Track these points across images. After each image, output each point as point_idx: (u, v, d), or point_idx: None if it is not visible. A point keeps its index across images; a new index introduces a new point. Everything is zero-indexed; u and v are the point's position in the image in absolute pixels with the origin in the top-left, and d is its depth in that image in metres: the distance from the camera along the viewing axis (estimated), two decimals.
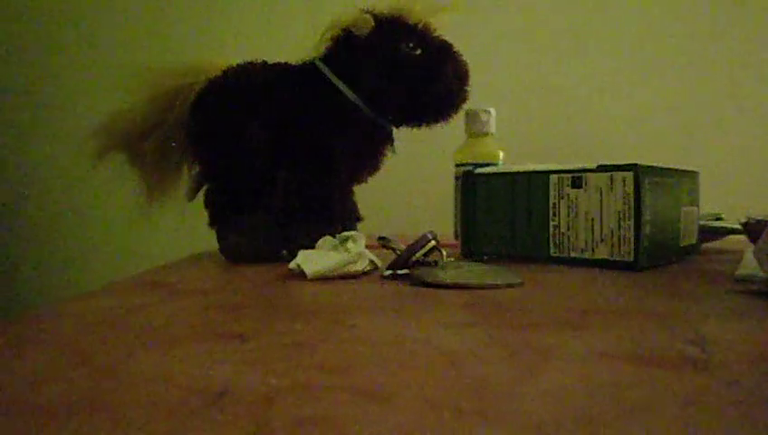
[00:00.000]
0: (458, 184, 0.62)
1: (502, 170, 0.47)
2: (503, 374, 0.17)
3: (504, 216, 0.47)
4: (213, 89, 0.50)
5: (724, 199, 0.87)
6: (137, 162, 0.53)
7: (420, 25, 0.48)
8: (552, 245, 0.44)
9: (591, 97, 0.96)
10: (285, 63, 0.51)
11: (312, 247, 0.43)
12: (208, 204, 0.52)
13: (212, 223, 0.51)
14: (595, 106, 0.96)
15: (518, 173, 0.46)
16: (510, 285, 0.34)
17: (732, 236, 0.54)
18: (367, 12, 0.48)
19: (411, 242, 0.39)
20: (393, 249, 0.41)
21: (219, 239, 0.50)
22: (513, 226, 0.46)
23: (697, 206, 0.49)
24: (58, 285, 0.97)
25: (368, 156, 0.51)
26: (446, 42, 0.49)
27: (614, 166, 0.41)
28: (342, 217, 0.52)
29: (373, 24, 0.47)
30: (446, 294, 0.32)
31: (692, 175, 0.48)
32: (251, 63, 0.51)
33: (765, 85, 0.95)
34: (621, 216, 0.41)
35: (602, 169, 0.42)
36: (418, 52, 0.47)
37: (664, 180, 0.43)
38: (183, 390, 0.16)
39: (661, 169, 0.43)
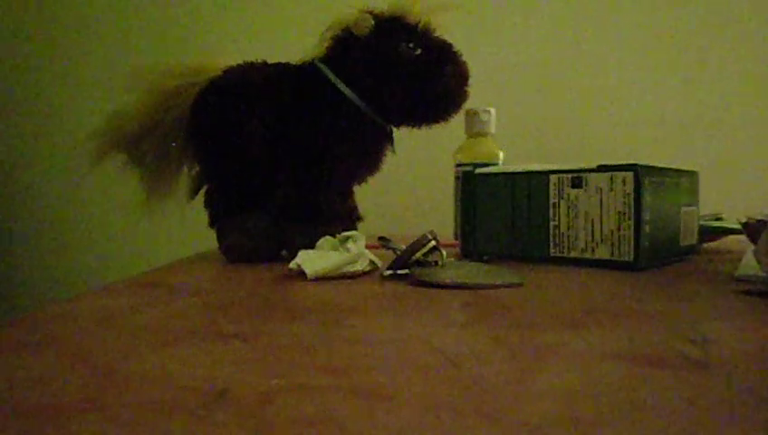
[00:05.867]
0: (458, 184, 0.62)
1: (502, 170, 0.47)
2: (503, 374, 0.17)
3: (504, 216, 0.47)
4: (213, 89, 0.50)
5: (724, 199, 0.87)
6: (137, 162, 0.53)
7: (420, 25, 0.48)
8: (551, 245, 0.44)
9: (592, 97, 0.96)
10: (285, 63, 0.51)
11: (312, 247, 0.43)
12: (208, 204, 0.52)
13: (212, 223, 0.51)
14: (595, 106, 0.96)
15: (518, 173, 0.46)
16: (510, 285, 0.34)
17: (732, 236, 0.54)
18: (367, 12, 0.48)
19: (411, 242, 0.39)
20: (393, 249, 0.41)
21: (219, 239, 0.50)
22: (513, 226, 0.46)
23: (697, 206, 0.49)
24: (57, 285, 0.97)
25: (368, 156, 0.51)
26: (446, 42, 0.49)
27: (614, 166, 0.41)
28: (342, 217, 0.52)
29: (373, 23, 0.47)
30: (446, 294, 0.32)
31: (692, 175, 0.48)
32: (251, 63, 0.51)
33: (766, 85, 0.95)
34: (621, 216, 0.41)
35: (602, 169, 0.42)
36: (418, 52, 0.47)
37: (664, 180, 0.43)
38: (183, 390, 0.16)
39: (661, 169, 0.43)
